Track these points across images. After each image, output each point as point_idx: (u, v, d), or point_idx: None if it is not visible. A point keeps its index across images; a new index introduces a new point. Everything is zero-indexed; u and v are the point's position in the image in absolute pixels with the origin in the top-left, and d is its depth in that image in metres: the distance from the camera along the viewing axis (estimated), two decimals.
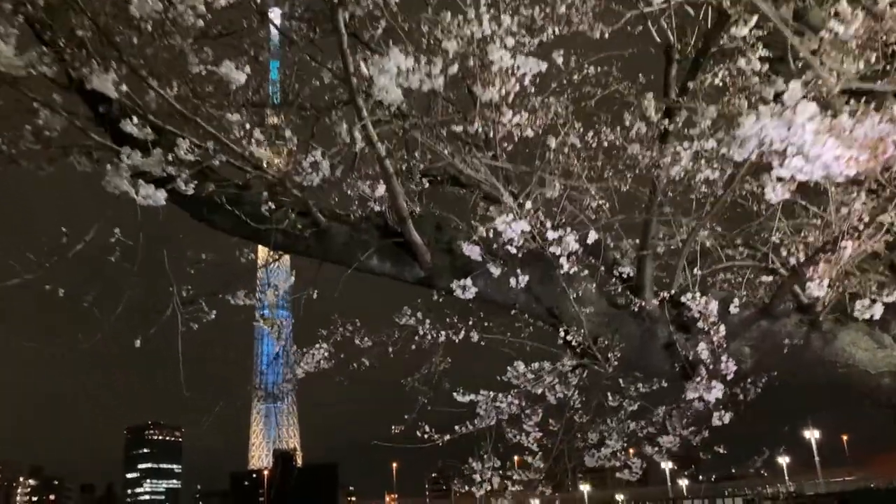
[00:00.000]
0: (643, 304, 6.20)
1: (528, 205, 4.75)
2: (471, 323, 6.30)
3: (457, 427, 7.09)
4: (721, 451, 9.33)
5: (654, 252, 6.31)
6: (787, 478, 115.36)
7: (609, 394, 7.55)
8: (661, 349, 6.21)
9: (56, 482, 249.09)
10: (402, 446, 6.44)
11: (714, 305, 5.78)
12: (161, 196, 4.45)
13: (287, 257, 7.01)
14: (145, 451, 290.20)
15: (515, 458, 7.34)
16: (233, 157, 4.86)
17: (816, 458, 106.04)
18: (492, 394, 6.08)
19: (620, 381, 7.58)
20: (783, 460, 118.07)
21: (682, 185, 6.53)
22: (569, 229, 4.96)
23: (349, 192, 6.21)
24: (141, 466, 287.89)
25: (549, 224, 4.73)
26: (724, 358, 5.55)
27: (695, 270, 6.44)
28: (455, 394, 6.39)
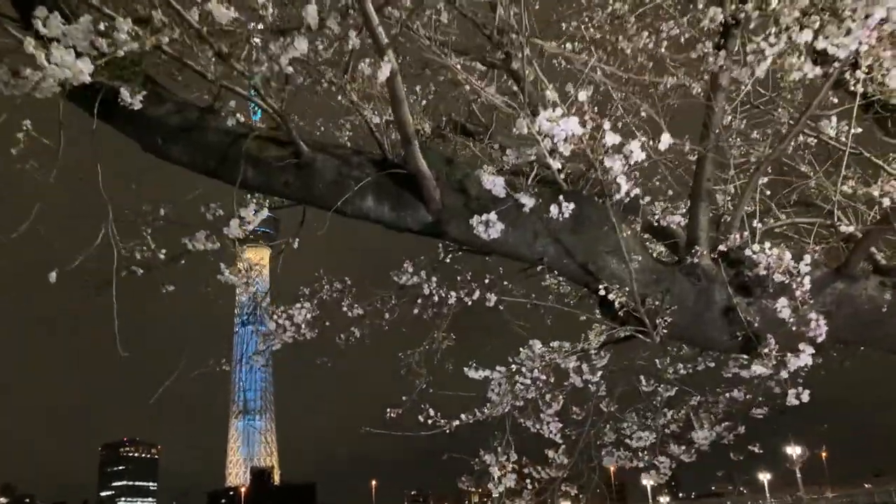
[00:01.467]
0: (697, 259, 5.08)
1: (582, 95, 3.61)
2: (487, 282, 5.13)
3: (463, 416, 5.92)
4: (756, 449, 8.20)
5: (709, 197, 5.19)
6: (768, 494, 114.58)
7: (642, 377, 6.40)
8: (719, 315, 5.08)
9: (27, 500, 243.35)
10: (401, 434, 5.26)
11: (789, 257, 4.67)
12: (84, 68, 3.25)
13: None
14: (120, 468, 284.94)
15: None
16: (185, 30, 3.67)
17: (798, 476, 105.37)
18: (514, 366, 4.91)
19: (657, 361, 6.43)
20: (764, 477, 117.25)
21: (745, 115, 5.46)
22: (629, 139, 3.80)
23: (341, 121, 5.08)
24: (116, 484, 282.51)
25: (606, 124, 3.58)
26: (812, 315, 4.43)
27: (755, 223, 5.34)
28: (466, 369, 5.21)
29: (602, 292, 4.78)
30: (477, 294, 5.03)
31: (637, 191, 5.54)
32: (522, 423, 5.97)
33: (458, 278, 5.17)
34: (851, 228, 5.74)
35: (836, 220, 5.78)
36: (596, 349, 5.88)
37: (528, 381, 4.83)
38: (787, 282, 4.51)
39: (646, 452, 7.43)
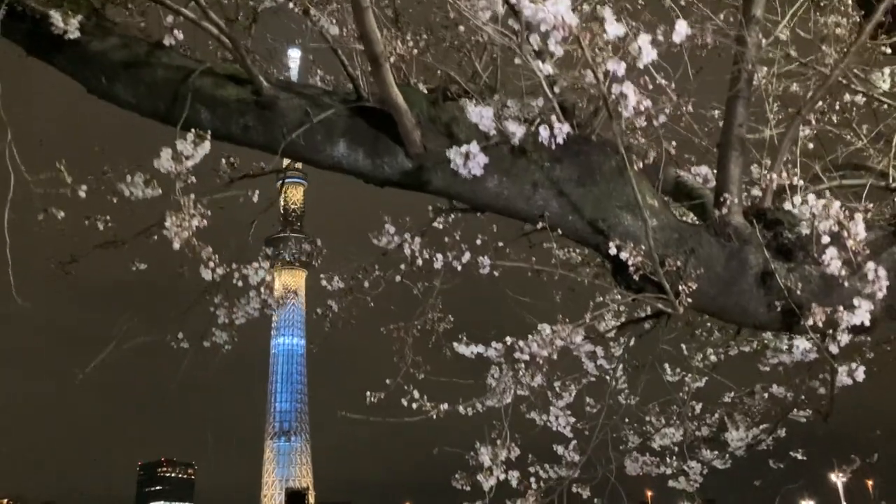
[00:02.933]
0: (727, 216, 4.31)
1: None
2: (479, 242, 4.40)
3: (462, 407, 5.18)
4: (800, 456, 7.34)
5: (741, 145, 4.42)
6: None
7: (667, 365, 5.60)
8: (754, 282, 4.29)
9: None
10: (381, 420, 4.54)
11: (838, 205, 3.88)
12: None
13: None
14: (158, 488, 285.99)
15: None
16: None
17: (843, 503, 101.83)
18: (509, 340, 4.16)
19: (683, 346, 5.64)
20: None
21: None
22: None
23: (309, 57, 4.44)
24: None
25: (607, 11, 2.84)
26: (870, 266, 3.64)
27: (795, 179, 4.55)
28: (455, 343, 4.50)
29: (613, 250, 4.02)
30: (467, 256, 4.30)
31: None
32: (527, 415, 5.22)
33: (446, 239, 4.45)
34: None
35: (891, 180, 4.99)
36: (612, 329, 5.12)
37: (527, 358, 4.06)
38: (836, 231, 3.71)
39: (674, 457, 6.62)
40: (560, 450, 5.18)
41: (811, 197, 4.06)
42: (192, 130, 3.68)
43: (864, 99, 5.81)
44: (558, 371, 5.10)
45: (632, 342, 5.50)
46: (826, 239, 3.90)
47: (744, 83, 4.43)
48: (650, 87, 3.74)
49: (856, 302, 3.69)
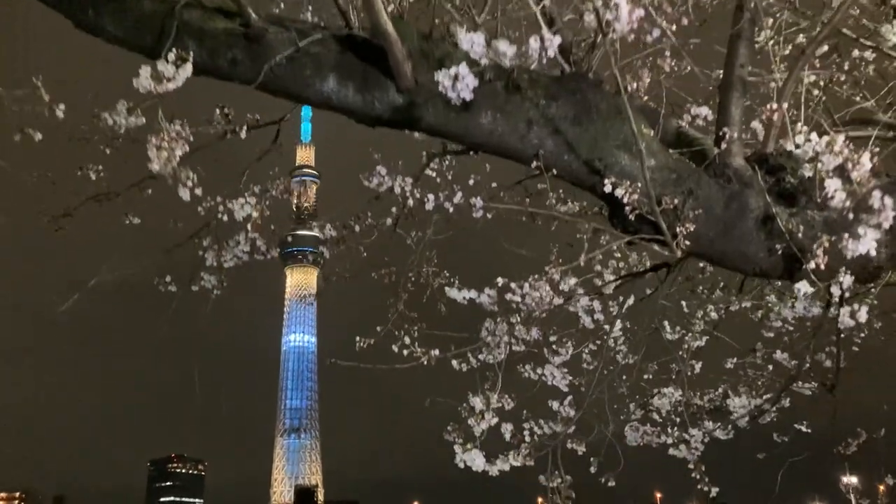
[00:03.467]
0: (727, 157, 4.19)
1: None
2: (472, 183, 4.29)
3: (455, 362, 5.06)
4: (805, 428, 7.17)
5: (743, 86, 4.30)
6: None
7: (666, 323, 5.47)
8: (755, 225, 4.17)
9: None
10: (371, 366, 4.43)
11: (842, 139, 3.75)
12: None
13: None
14: (168, 483, 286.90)
15: None
16: None
17: None
18: (500, 281, 4.04)
19: (684, 304, 5.50)
20: None
21: None
22: None
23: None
24: (164, 500, 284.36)
25: None
26: (877, 194, 3.50)
27: (798, 125, 4.41)
28: (448, 288, 4.38)
29: (608, 188, 3.91)
30: (459, 197, 4.19)
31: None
32: (523, 371, 5.10)
33: (438, 180, 4.34)
34: None
35: None
36: (610, 283, 5.00)
37: (519, 300, 3.95)
38: (840, 164, 3.57)
39: (675, 427, 6.48)
40: (555, 405, 5.06)
41: (814, 135, 3.93)
42: (174, 50, 3.58)
43: (874, 55, 5.67)
44: (554, 326, 4.97)
45: (630, 300, 5.38)
46: (830, 174, 3.77)
47: (746, 23, 4.31)
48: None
49: (860, 231, 3.56)
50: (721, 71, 4.66)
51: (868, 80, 5.78)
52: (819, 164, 3.96)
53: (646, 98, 4.54)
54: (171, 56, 3.54)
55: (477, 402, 4.25)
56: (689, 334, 5.51)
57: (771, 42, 4.72)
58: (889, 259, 4.35)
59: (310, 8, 4.51)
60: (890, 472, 7.07)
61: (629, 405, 6.28)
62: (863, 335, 7.05)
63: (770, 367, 6.57)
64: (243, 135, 5.06)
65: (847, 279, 3.93)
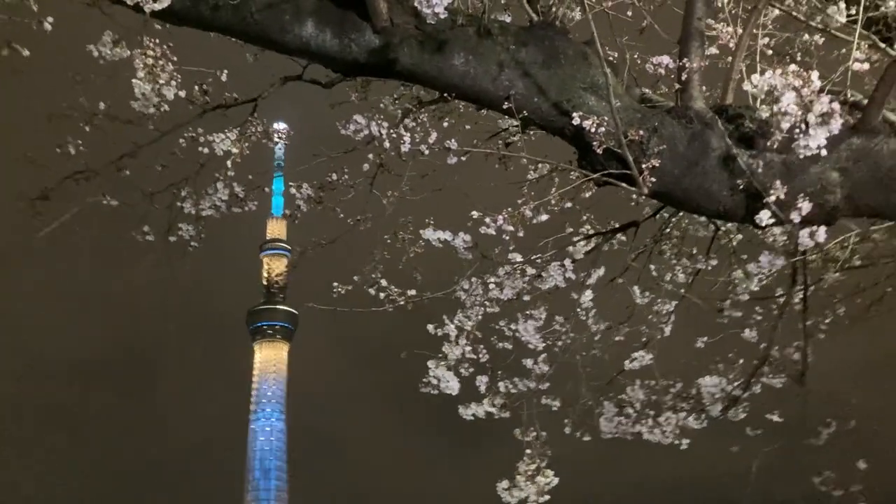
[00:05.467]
0: (688, 101, 4.41)
1: None
2: (446, 125, 4.45)
3: (431, 326, 5.12)
4: (776, 417, 7.23)
5: (701, 37, 4.55)
6: None
7: (636, 288, 5.58)
8: (717, 164, 4.35)
9: None
10: (349, 310, 4.47)
11: (794, 67, 3.96)
12: None
13: None
14: None
15: None
16: None
17: None
18: (476, 214, 4.15)
19: (652, 267, 5.63)
20: None
21: None
22: None
23: None
24: None
25: None
26: (825, 99, 3.69)
27: (753, 77, 4.65)
28: (422, 231, 4.48)
29: (577, 120, 4.08)
30: (434, 137, 4.33)
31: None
32: (496, 326, 5.17)
33: (413, 124, 4.50)
34: (860, 96, 5.06)
35: (847, 89, 5.10)
36: (580, 240, 5.15)
37: (493, 232, 4.07)
38: (795, 88, 3.76)
39: (649, 418, 6.52)
40: (529, 363, 5.12)
41: (769, 71, 4.15)
42: None
43: (823, 39, 5.99)
44: (527, 286, 5.07)
45: (601, 270, 5.51)
46: (786, 104, 3.95)
47: None
48: None
49: (811, 131, 3.74)
50: None
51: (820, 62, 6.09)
52: (776, 104, 4.17)
53: (611, 55, 4.78)
54: None
55: (451, 328, 4.31)
56: (659, 300, 5.62)
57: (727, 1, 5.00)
58: (846, 201, 4.55)
59: None
60: (861, 458, 7.14)
61: (602, 401, 6.33)
62: (828, 321, 7.24)
63: (737, 349, 6.70)
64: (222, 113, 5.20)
65: (805, 205, 4.10)
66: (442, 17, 3.83)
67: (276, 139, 4.81)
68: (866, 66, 4.47)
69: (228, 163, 4.42)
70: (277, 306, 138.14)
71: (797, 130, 3.67)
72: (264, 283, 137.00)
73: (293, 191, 4.96)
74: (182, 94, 3.86)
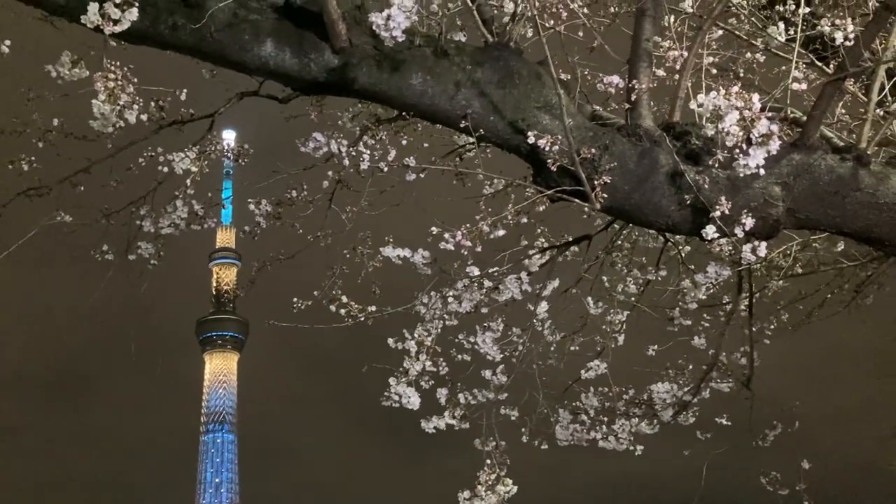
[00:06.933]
0: (637, 119, 4.58)
1: None
2: (404, 142, 4.54)
3: (391, 340, 5.19)
4: (724, 421, 7.48)
5: (649, 58, 4.73)
6: None
7: (589, 299, 5.74)
8: (665, 179, 4.53)
9: None
10: (310, 327, 4.53)
11: (737, 87, 4.15)
12: None
13: None
14: None
15: None
16: None
17: None
18: (435, 230, 4.23)
19: (604, 279, 5.80)
20: None
21: None
22: None
23: None
24: None
25: None
26: (764, 122, 3.88)
27: (698, 97, 4.85)
28: (382, 249, 4.56)
29: (532, 139, 4.22)
30: (393, 155, 4.42)
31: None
32: (456, 341, 5.28)
33: (372, 141, 4.59)
34: (800, 113, 5.31)
35: (787, 106, 5.34)
36: (535, 253, 5.28)
37: (452, 248, 4.17)
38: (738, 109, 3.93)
39: (603, 425, 6.68)
40: (487, 374, 5.23)
41: (713, 92, 4.34)
42: None
43: (764, 57, 6.26)
44: (485, 299, 5.18)
45: (556, 282, 5.65)
46: (731, 125, 4.14)
47: (650, 3, 4.77)
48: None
49: (751, 151, 3.93)
50: None
51: (761, 81, 6.36)
52: (720, 123, 4.36)
53: (563, 75, 4.93)
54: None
55: (411, 344, 4.40)
56: (612, 311, 5.79)
57: (674, 21, 5.20)
58: (787, 214, 4.77)
59: None
60: (805, 458, 7.42)
61: (558, 409, 6.48)
62: (773, 327, 7.53)
63: (687, 355, 6.92)
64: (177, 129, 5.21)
65: (749, 220, 4.30)
66: (400, 40, 3.92)
67: (228, 153, 4.83)
68: (804, 85, 4.70)
69: (188, 181, 4.44)
70: (227, 316, 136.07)
71: (737, 151, 3.82)
72: (213, 292, 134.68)
73: (252, 207, 5.00)
74: (144, 117, 3.84)
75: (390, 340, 5.18)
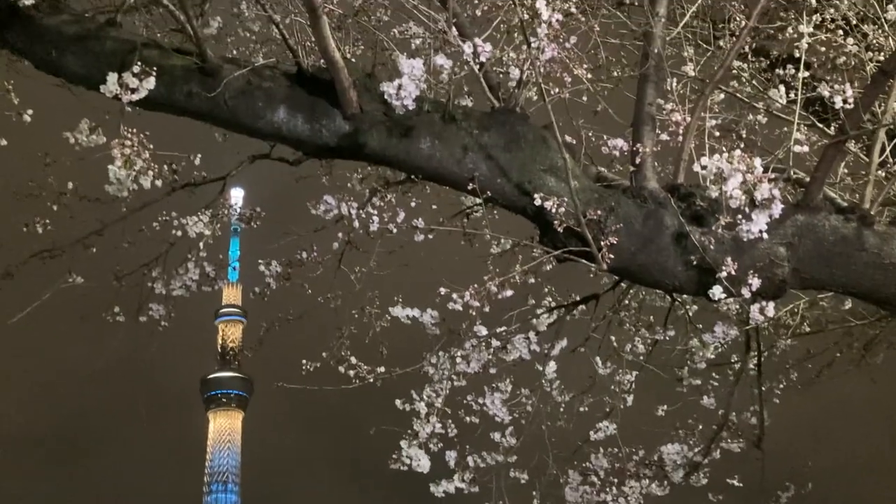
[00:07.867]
0: (642, 181, 4.65)
1: None
2: (413, 204, 4.62)
3: (399, 402, 5.20)
4: (735, 482, 7.38)
5: (652, 122, 4.82)
6: None
7: (598, 358, 5.74)
8: (671, 241, 4.57)
9: None
10: (317, 388, 4.54)
11: (739, 152, 4.22)
12: None
13: None
14: None
15: None
16: None
17: None
18: (443, 290, 4.27)
19: (612, 339, 5.80)
20: None
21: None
22: None
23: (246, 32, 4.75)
24: None
25: None
26: (766, 186, 3.94)
27: (702, 160, 4.93)
28: (391, 308, 4.59)
29: (538, 201, 4.28)
30: (402, 216, 4.49)
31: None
32: (465, 402, 5.27)
33: (381, 203, 4.67)
34: (802, 174, 5.39)
35: (790, 167, 5.41)
36: (543, 313, 5.32)
37: (460, 308, 4.21)
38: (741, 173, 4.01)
39: (613, 486, 6.61)
40: (497, 436, 5.21)
41: (717, 155, 4.42)
42: (138, 63, 3.88)
43: (766, 119, 6.37)
44: (493, 359, 5.20)
45: (564, 342, 5.67)
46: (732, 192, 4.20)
47: (652, 68, 4.89)
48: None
49: (754, 216, 3.98)
50: None
51: (763, 142, 6.46)
52: (724, 186, 4.43)
53: (568, 138, 5.02)
54: (136, 69, 3.83)
55: (421, 406, 4.40)
56: (621, 371, 5.79)
57: (676, 84, 5.31)
58: (793, 274, 4.80)
59: (262, 51, 4.93)
60: None
61: (567, 471, 6.43)
62: (782, 385, 7.49)
63: (696, 415, 6.88)
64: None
65: (756, 281, 4.33)
66: (410, 108, 4.02)
67: (242, 218, 4.92)
68: (806, 147, 4.77)
69: (201, 244, 4.51)
70: (232, 374, 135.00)
71: (739, 217, 3.88)
72: (219, 349, 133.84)
73: (262, 268, 5.05)
74: (159, 183, 3.93)
75: (398, 402, 5.18)
